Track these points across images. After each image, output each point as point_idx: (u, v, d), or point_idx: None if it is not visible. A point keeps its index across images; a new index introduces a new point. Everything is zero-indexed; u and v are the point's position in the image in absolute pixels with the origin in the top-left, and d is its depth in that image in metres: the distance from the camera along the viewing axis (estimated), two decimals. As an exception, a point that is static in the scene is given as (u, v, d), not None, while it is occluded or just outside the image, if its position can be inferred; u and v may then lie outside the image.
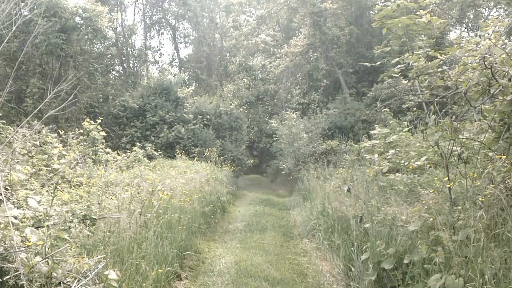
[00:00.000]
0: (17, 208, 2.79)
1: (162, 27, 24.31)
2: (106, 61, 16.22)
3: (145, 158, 8.99)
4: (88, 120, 8.48)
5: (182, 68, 24.24)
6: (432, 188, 3.31)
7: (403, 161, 4.62)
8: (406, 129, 6.24)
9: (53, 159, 5.48)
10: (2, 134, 5.56)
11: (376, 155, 5.41)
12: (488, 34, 3.07)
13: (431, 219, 2.67)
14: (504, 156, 2.69)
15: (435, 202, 2.86)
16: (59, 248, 2.19)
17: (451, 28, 13.57)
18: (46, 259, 2.06)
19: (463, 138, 3.14)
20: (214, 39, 24.85)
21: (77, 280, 2.05)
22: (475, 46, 3.05)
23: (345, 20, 17.21)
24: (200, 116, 14.02)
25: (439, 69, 3.16)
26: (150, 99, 13.98)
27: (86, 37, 11.90)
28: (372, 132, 6.66)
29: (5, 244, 2.13)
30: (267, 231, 5.91)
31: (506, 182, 2.64)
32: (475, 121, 3.40)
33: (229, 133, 14.72)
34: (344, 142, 10.94)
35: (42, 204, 2.92)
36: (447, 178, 2.88)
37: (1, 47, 3.36)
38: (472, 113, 3.44)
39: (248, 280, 3.60)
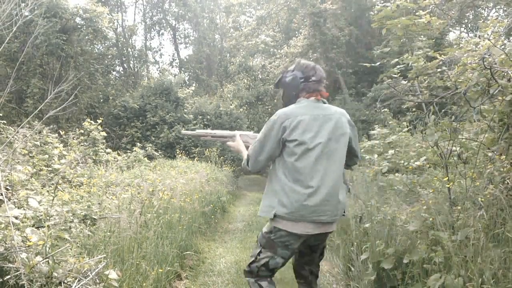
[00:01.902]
0: (18, 208, 2.80)
1: (162, 28, 24.34)
2: (106, 61, 16.25)
3: (146, 158, 9.00)
4: (89, 120, 8.50)
5: (182, 69, 24.26)
6: (432, 188, 3.31)
7: (402, 161, 4.63)
8: (406, 129, 6.25)
9: (53, 159, 5.49)
10: (2, 134, 5.57)
11: (375, 155, 5.42)
12: (488, 34, 3.08)
13: (430, 219, 2.67)
14: (504, 156, 2.69)
15: (434, 202, 2.87)
16: (59, 248, 2.20)
17: (450, 28, 13.57)
18: (47, 259, 2.07)
19: (462, 138, 3.14)
20: (214, 40, 24.88)
21: (77, 280, 2.06)
22: (475, 47, 3.05)
23: (344, 21, 17.22)
24: (200, 117, 14.03)
25: (439, 70, 3.17)
26: (151, 99, 13.99)
27: (86, 37, 11.92)
28: (371, 132, 6.67)
29: (6, 244, 2.14)
30: (267, 231, 5.90)
31: (506, 182, 2.65)
32: (475, 121, 3.41)
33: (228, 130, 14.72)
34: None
35: (42, 204, 2.93)
36: (446, 178, 2.88)
37: (2, 47, 3.37)
38: (471, 114, 3.45)
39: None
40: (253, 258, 2.23)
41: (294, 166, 2.03)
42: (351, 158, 2.25)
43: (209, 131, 2.66)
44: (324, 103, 2.17)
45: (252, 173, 2.16)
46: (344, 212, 2.14)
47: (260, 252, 2.18)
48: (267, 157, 2.15)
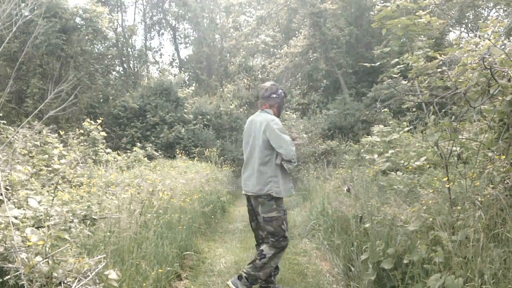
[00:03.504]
0: (18, 208, 2.80)
1: (162, 28, 24.34)
2: (106, 61, 16.25)
3: (146, 158, 9.01)
4: (89, 120, 8.49)
5: (182, 69, 24.25)
6: (432, 188, 3.31)
7: (402, 161, 4.63)
8: (406, 129, 6.24)
9: (53, 159, 5.49)
10: (2, 134, 5.57)
11: (375, 155, 5.41)
12: (488, 34, 3.08)
13: (430, 219, 2.67)
14: (504, 156, 2.69)
15: (434, 202, 2.87)
16: (59, 248, 2.19)
17: (450, 28, 13.57)
18: (47, 259, 2.07)
19: (462, 139, 3.14)
20: (214, 40, 24.86)
21: (77, 280, 2.05)
22: (475, 47, 3.05)
23: (344, 21, 17.20)
24: (200, 117, 14.03)
25: (439, 70, 3.17)
26: (151, 99, 14.00)
27: (86, 37, 11.92)
28: (372, 129, 6.66)
29: (6, 244, 2.14)
30: (267, 231, 5.89)
31: (505, 182, 2.64)
32: (475, 121, 3.41)
33: (229, 134, 14.74)
34: (343, 142, 10.94)
35: (42, 204, 2.93)
36: (446, 178, 2.88)
37: (2, 47, 3.37)
38: (471, 114, 3.44)
39: (248, 280, 3.60)
40: None
41: None
42: (277, 151, 3.08)
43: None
44: (268, 113, 3.21)
45: None
46: (261, 191, 3.11)
47: None
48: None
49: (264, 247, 3.09)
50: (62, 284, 2.03)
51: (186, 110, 14.21)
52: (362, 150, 6.70)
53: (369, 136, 6.29)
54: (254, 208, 3.24)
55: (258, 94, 3.37)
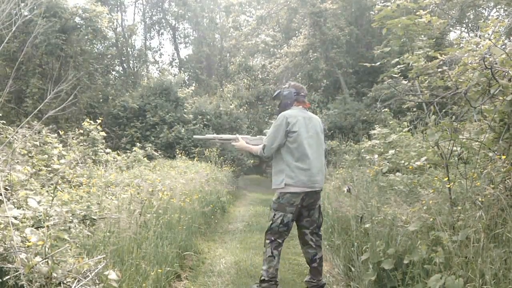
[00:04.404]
0: (17, 208, 2.79)
1: (162, 27, 24.31)
2: (106, 61, 16.22)
3: (145, 158, 8.99)
4: (88, 120, 8.47)
5: (182, 69, 24.22)
6: (432, 188, 3.31)
7: (403, 161, 4.63)
8: (406, 129, 6.24)
9: (53, 159, 5.48)
10: (2, 134, 5.55)
11: (376, 155, 5.41)
12: (488, 34, 3.08)
13: (431, 219, 2.67)
14: (504, 156, 2.69)
15: (435, 203, 2.86)
16: (59, 248, 2.19)
17: (451, 28, 13.57)
18: (46, 260, 2.06)
19: (463, 139, 3.14)
20: (214, 39, 24.83)
21: (77, 280, 2.05)
22: (475, 47, 3.05)
23: (345, 21, 17.19)
24: (200, 116, 14.00)
25: (439, 70, 3.17)
26: (150, 99, 13.97)
27: (86, 37, 11.89)
28: (372, 132, 6.66)
29: (5, 244, 2.13)
30: (267, 231, 5.89)
31: (506, 182, 2.64)
32: (475, 121, 3.40)
33: (229, 133, 14.69)
34: (344, 142, 10.94)
35: (42, 204, 2.92)
36: (447, 178, 2.88)
37: (1, 47, 3.36)
38: (472, 113, 3.43)
39: (248, 280, 3.60)
40: (271, 221, 3.12)
41: (296, 150, 3.05)
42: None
43: (216, 135, 3.69)
44: (307, 110, 3.30)
45: (267, 159, 3.26)
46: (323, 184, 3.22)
47: (275, 214, 3.10)
48: (277, 145, 3.10)
49: (321, 252, 3.27)
50: (61, 284, 2.02)
51: (186, 110, 14.18)
52: (362, 150, 6.70)
53: (369, 141, 6.29)
54: (311, 203, 3.17)
55: (297, 91, 3.25)
